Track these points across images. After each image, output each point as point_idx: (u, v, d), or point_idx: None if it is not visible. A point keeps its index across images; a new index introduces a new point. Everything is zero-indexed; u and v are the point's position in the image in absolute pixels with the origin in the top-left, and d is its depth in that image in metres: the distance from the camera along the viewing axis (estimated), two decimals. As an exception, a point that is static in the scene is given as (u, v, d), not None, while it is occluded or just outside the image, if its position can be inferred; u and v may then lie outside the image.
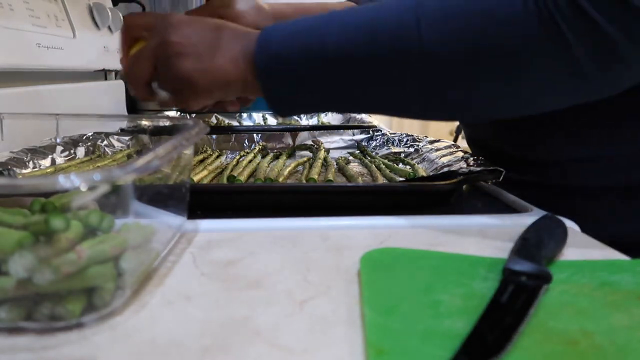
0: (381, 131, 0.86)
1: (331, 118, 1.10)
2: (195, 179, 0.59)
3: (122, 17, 1.07)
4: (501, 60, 0.40)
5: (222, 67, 0.45)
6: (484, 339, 0.24)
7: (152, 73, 0.48)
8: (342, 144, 0.85)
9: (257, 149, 0.79)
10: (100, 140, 0.73)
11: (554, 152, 0.56)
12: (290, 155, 0.77)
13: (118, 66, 1.06)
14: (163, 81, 0.48)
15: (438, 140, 0.70)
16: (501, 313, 0.26)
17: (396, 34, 0.41)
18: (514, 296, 0.28)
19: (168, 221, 0.36)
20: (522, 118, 0.50)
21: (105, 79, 1.06)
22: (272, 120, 1.09)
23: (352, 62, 0.42)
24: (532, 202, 0.49)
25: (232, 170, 0.63)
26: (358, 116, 1.04)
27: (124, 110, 1.11)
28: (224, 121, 1.06)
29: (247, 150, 0.82)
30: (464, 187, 0.51)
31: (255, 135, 0.85)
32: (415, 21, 0.40)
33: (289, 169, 0.66)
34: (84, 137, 0.70)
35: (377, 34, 0.41)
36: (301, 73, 0.43)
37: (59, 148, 0.64)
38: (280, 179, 0.59)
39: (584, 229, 0.43)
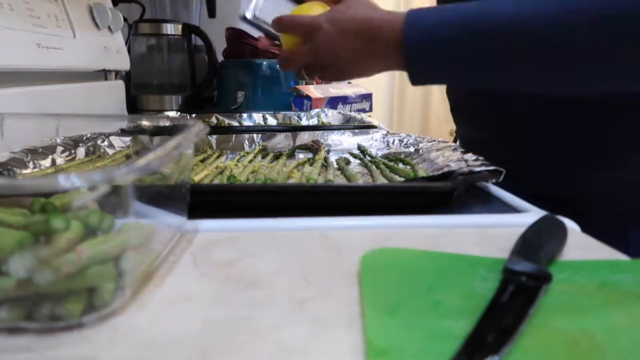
0: (381, 131, 0.86)
1: (331, 118, 1.10)
2: (195, 179, 0.58)
3: (122, 17, 1.07)
4: None
5: (364, 68, 0.58)
6: (484, 339, 0.24)
7: (302, 67, 0.62)
8: (342, 144, 0.85)
9: (257, 149, 0.79)
10: (100, 141, 0.73)
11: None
12: (290, 155, 0.77)
13: (118, 66, 1.06)
14: (311, 73, 0.64)
15: (438, 140, 0.70)
16: (501, 313, 0.26)
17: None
18: (514, 296, 0.28)
19: (168, 221, 0.36)
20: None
21: (105, 79, 1.06)
22: (272, 120, 1.09)
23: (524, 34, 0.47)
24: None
25: (232, 171, 0.63)
26: (358, 116, 1.04)
27: (124, 110, 1.11)
28: (224, 121, 1.06)
29: (247, 150, 0.82)
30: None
31: (255, 135, 0.85)
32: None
33: (289, 169, 0.66)
34: (84, 137, 0.70)
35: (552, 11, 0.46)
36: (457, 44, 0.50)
37: (59, 148, 0.64)
38: (280, 179, 0.59)
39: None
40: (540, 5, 0.47)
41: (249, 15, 1.20)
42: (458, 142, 0.78)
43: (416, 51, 0.53)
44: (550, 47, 0.47)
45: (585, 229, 0.39)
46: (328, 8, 0.62)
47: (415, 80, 0.56)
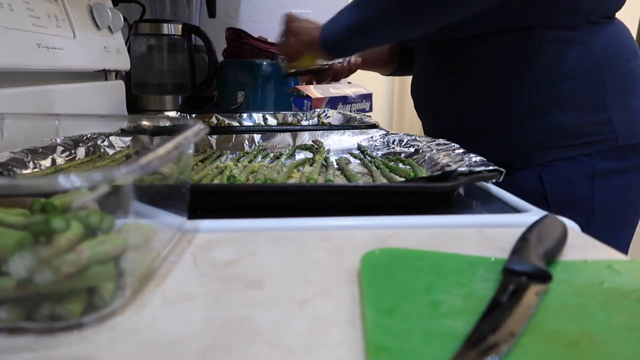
0: (381, 131, 0.86)
1: (332, 118, 1.10)
2: (195, 178, 0.58)
3: (122, 17, 1.07)
4: None
5: (311, 38, 0.88)
6: (484, 339, 0.24)
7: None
8: (342, 144, 0.85)
9: (257, 149, 0.79)
10: (100, 141, 0.73)
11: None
12: (291, 155, 0.77)
13: (118, 66, 1.06)
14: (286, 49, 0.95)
15: (438, 141, 0.70)
16: (501, 313, 0.26)
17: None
18: (514, 296, 0.28)
19: (168, 221, 0.36)
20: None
21: (106, 79, 1.06)
22: (272, 121, 1.09)
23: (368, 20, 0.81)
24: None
25: (232, 171, 0.63)
26: (358, 116, 1.04)
27: (124, 110, 1.11)
28: (224, 121, 1.06)
29: (247, 150, 0.82)
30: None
31: (255, 135, 0.85)
32: None
33: (289, 169, 0.66)
34: (84, 138, 0.70)
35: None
36: (342, 32, 0.85)
37: (59, 148, 0.64)
38: (280, 179, 0.59)
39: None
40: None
41: None
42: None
43: (327, 35, 0.86)
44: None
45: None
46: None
47: (330, 51, 0.89)
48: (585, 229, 0.39)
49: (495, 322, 0.25)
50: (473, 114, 0.87)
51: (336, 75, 1.10)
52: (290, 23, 0.95)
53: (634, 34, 0.86)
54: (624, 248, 0.85)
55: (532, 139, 0.81)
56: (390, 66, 1.20)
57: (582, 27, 0.78)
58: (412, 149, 0.73)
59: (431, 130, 0.96)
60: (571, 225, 0.41)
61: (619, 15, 0.84)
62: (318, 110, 1.14)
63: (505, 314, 0.26)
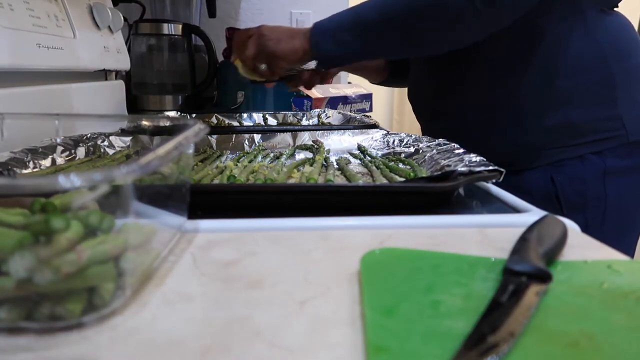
0: (381, 131, 0.86)
1: (331, 118, 1.10)
2: (195, 179, 0.58)
3: (122, 17, 1.07)
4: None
5: (293, 44, 0.79)
6: (484, 339, 0.24)
7: (255, 54, 0.83)
8: (342, 144, 0.85)
9: (258, 149, 0.79)
10: (100, 141, 0.73)
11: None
12: (291, 155, 0.77)
13: (118, 66, 1.06)
14: (260, 58, 0.83)
15: (438, 141, 0.70)
16: (501, 313, 0.26)
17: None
18: (514, 296, 0.28)
19: (168, 221, 0.36)
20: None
21: (106, 79, 1.06)
22: (272, 121, 1.09)
23: (371, 23, 0.75)
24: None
25: (232, 171, 0.63)
26: (358, 116, 1.04)
27: (124, 110, 1.11)
28: (224, 121, 1.06)
29: (247, 150, 0.82)
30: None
31: (255, 135, 0.85)
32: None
33: (289, 169, 0.66)
34: (84, 137, 0.70)
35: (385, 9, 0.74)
36: (338, 36, 0.76)
37: (59, 148, 0.64)
38: (280, 179, 0.59)
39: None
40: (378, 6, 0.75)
41: None
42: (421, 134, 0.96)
43: (319, 38, 0.78)
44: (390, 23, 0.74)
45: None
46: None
47: (321, 60, 0.80)
48: (599, 228, 0.38)
49: (495, 322, 0.25)
50: (475, 114, 0.84)
51: (307, 84, 0.95)
52: (245, 33, 0.86)
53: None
54: (635, 245, 0.83)
55: (539, 137, 0.78)
56: (381, 74, 1.12)
57: (585, 16, 0.75)
58: (412, 149, 0.73)
59: (431, 133, 0.91)
60: (571, 225, 0.41)
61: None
62: (318, 110, 1.14)
63: (505, 314, 0.26)
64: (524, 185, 0.76)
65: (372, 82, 1.17)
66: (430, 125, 0.95)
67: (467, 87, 0.85)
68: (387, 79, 1.14)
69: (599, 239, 0.38)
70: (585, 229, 0.41)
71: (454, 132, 0.80)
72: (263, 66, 0.84)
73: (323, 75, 0.95)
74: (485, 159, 0.54)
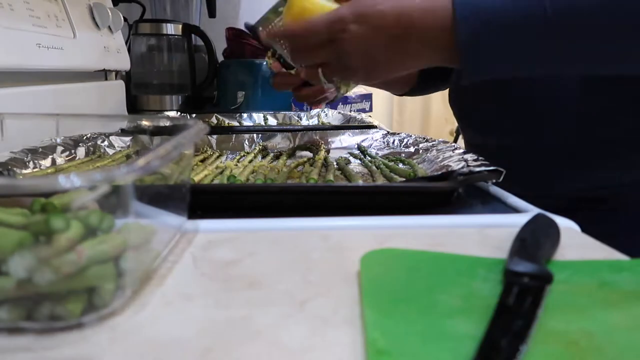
0: (381, 131, 0.86)
1: (331, 118, 1.10)
2: (196, 179, 0.58)
3: (122, 17, 1.07)
4: None
5: (399, 67, 0.49)
6: (498, 345, 0.24)
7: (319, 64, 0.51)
8: (342, 144, 0.85)
9: (258, 149, 0.79)
10: (100, 141, 0.73)
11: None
12: (291, 155, 0.77)
13: (118, 66, 1.06)
14: (330, 75, 0.51)
15: (438, 140, 0.70)
16: (511, 317, 0.26)
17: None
18: (520, 298, 0.28)
19: (168, 221, 0.36)
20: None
21: (106, 79, 1.06)
22: (272, 121, 1.09)
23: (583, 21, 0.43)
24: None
25: (232, 171, 0.63)
26: (358, 116, 1.04)
27: (124, 110, 1.11)
28: (224, 121, 1.06)
29: (247, 150, 0.82)
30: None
31: (255, 135, 0.85)
32: None
33: (289, 169, 0.66)
34: (84, 137, 0.70)
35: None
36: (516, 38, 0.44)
37: (59, 148, 0.64)
38: (280, 179, 0.59)
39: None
40: None
41: None
42: (460, 143, 0.78)
43: (474, 40, 0.44)
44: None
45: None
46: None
47: (472, 74, 0.48)
48: None
49: (506, 327, 0.25)
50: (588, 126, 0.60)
51: (322, 100, 0.68)
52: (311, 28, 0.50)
53: None
54: None
55: None
56: (406, 83, 0.81)
57: None
58: (412, 149, 0.73)
59: (495, 153, 0.59)
60: (571, 225, 0.41)
61: None
62: (318, 110, 1.14)
63: (515, 318, 0.26)
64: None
65: (395, 93, 0.88)
66: (494, 140, 0.68)
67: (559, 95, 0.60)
68: (417, 87, 0.81)
69: None
70: None
71: (543, 152, 0.61)
72: (328, 84, 0.53)
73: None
74: (484, 159, 0.53)
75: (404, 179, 0.59)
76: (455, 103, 0.78)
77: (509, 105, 0.66)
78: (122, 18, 1.07)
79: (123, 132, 0.77)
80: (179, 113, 1.25)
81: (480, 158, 0.54)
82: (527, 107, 0.64)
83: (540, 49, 0.45)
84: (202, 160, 0.73)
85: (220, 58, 1.42)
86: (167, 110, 1.33)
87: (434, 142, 0.70)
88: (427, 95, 0.90)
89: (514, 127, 0.65)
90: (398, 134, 0.81)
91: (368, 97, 1.41)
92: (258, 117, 1.08)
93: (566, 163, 0.62)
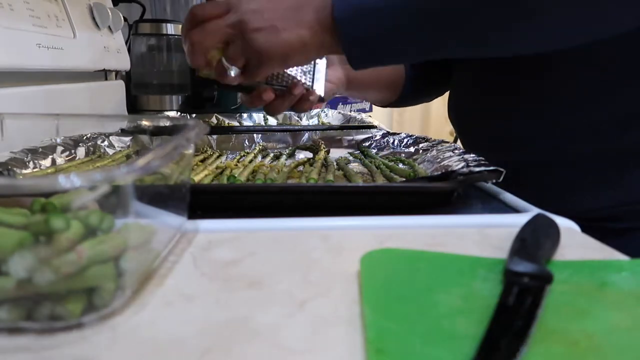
0: (381, 131, 0.86)
1: (331, 118, 1.10)
2: (196, 179, 0.58)
3: (122, 17, 1.07)
4: None
5: (298, 34, 0.48)
6: (498, 345, 0.24)
7: (219, 46, 0.51)
8: (343, 144, 0.85)
9: (258, 149, 0.79)
10: (100, 141, 0.73)
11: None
12: (291, 155, 0.77)
13: (118, 66, 1.06)
14: (235, 57, 0.51)
15: (438, 141, 0.70)
16: (511, 317, 0.26)
17: None
18: (521, 298, 0.28)
19: (168, 221, 0.36)
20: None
21: (106, 79, 1.06)
22: (272, 121, 1.09)
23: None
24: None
25: (232, 171, 0.63)
26: (358, 116, 1.04)
27: (124, 110, 1.11)
28: (224, 121, 1.06)
29: (248, 150, 0.82)
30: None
31: (255, 135, 0.85)
32: None
33: (289, 169, 0.66)
34: (84, 137, 0.70)
35: None
36: (385, 21, 0.46)
37: (59, 148, 0.64)
38: (280, 179, 0.59)
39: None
40: None
41: None
42: (460, 143, 0.76)
43: (351, 23, 0.47)
44: None
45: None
46: None
47: (355, 61, 0.49)
48: None
49: (506, 327, 0.25)
50: (569, 146, 0.59)
51: (299, 105, 0.63)
52: (214, 8, 0.51)
53: None
54: None
55: None
56: (393, 91, 0.81)
57: None
58: (412, 149, 0.73)
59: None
60: (571, 225, 0.41)
61: None
62: (318, 110, 1.14)
63: (515, 318, 0.26)
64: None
65: (377, 103, 0.86)
66: (494, 156, 0.62)
67: (554, 108, 0.59)
68: (401, 97, 0.80)
69: None
70: None
71: (539, 168, 0.61)
72: (233, 71, 0.52)
73: (304, 98, 0.62)
74: (484, 159, 0.53)
75: (404, 179, 0.59)
76: (456, 118, 0.76)
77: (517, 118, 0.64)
78: (122, 18, 1.07)
79: (123, 132, 0.77)
80: (179, 113, 1.25)
81: (480, 158, 0.54)
82: (536, 119, 0.62)
83: (407, 30, 0.47)
84: (202, 160, 0.73)
85: (220, 58, 1.41)
86: (167, 110, 1.33)
87: (434, 142, 0.70)
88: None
89: (522, 143, 0.63)
90: (398, 134, 0.81)
91: (368, 97, 1.41)
92: (258, 117, 1.08)
93: (577, 181, 0.61)
